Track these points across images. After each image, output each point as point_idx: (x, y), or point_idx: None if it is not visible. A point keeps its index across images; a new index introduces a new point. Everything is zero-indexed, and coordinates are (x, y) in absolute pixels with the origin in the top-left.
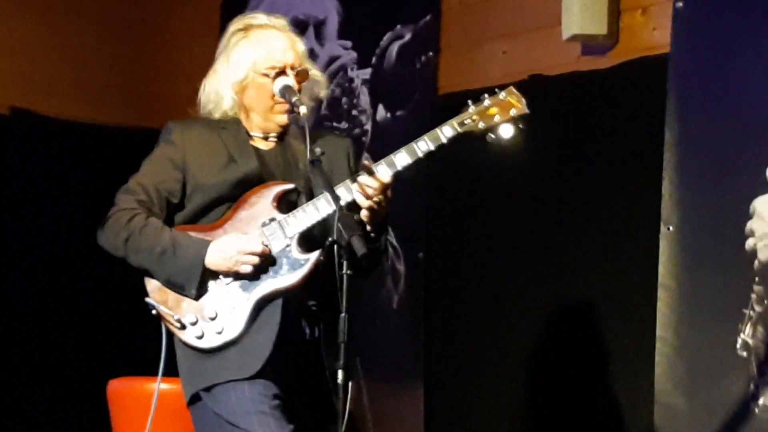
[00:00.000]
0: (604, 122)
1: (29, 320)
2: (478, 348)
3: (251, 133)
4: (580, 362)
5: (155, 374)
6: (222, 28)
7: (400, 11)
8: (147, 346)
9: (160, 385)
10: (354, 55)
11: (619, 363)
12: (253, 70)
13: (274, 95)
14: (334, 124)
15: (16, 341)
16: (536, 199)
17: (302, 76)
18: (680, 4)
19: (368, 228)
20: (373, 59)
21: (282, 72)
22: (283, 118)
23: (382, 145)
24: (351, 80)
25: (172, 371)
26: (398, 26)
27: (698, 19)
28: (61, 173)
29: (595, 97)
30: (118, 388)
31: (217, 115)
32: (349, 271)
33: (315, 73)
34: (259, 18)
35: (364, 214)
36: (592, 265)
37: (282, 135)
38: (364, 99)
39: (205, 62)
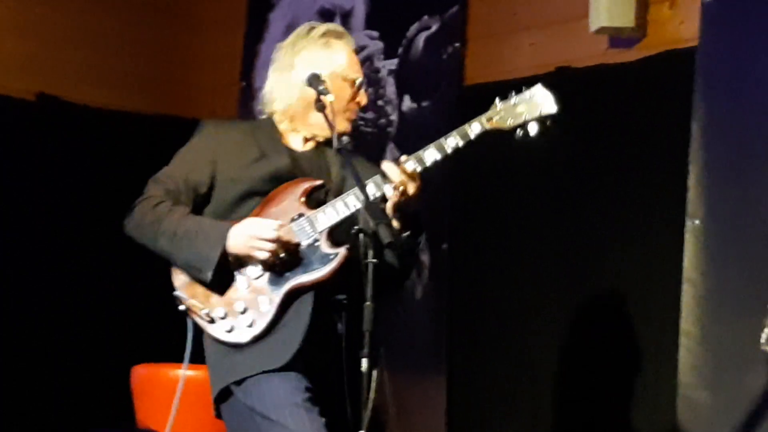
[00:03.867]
0: (630, 115)
1: (53, 306)
2: (501, 339)
3: (288, 136)
4: (604, 355)
5: (179, 361)
6: (249, 17)
7: (427, 2)
8: (171, 332)
9: (185, 373)
10: (381, 45)
11: (643, 356)
12: (333, 74)
13: (350, 101)
14: (360, 114)
15: (41, 327)
16: (561, 191)
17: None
18: None
19: (397, 226)
20: (400, 50)
21: (358, 85)
22: (348, 125)
23: (408, 135)
24: (377, 70)
25: (195, 358)
26: (425, 17)
27: (726, 12)
28: (86, 159)
29: (621, 89)
30: (142, 374)
31: (282, 109)
32: (374, 260)
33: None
34: (336, 28)
35: (390, 206)
36: (617, 258)
37: (318, 143)
38: (391, 89)
39: (231, 50)
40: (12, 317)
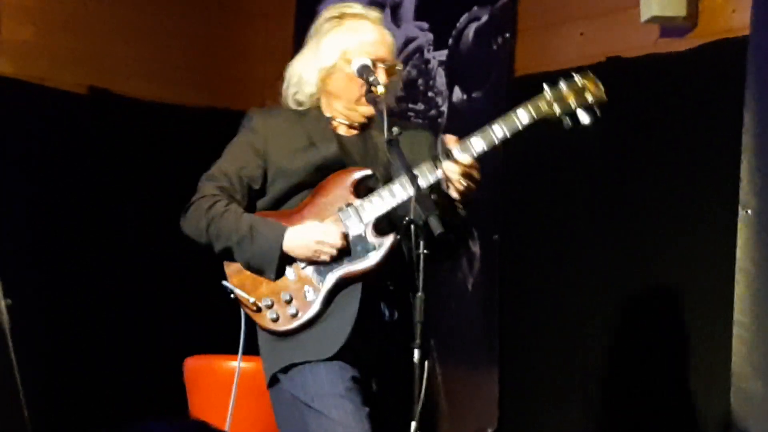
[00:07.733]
0: (682, 105)
1: (107, 299)
2: (553, 330)
3: (334, 120)
4: (656, 346)
5: (232, 353)
6: (298, 9)
7: None
8: (224, 324)
9: (240, 364)
10: (430, 36)
11: (696, 347)
12: (343, 59)
13: (362, 86)
14: (410, 105)
15: (95, 319)
16: (613, 181)
17: (391, 71)
18: None
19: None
20: (450, 41)
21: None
22: (369, 110)
23: (458, 126)
24: (427, 62)
25: (249, 350)
26: (475, 7)
27: None
28: (137, 153)
29: (673, 79)
30: (195, 366)
31: (300, 98)
32: (425, 251)
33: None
34: (354, 7)
35: (456, 196)
36: (670, 248)
37: (365, 126)
38: (441, 80)
39: (281, 44)
40: (67, 310)
